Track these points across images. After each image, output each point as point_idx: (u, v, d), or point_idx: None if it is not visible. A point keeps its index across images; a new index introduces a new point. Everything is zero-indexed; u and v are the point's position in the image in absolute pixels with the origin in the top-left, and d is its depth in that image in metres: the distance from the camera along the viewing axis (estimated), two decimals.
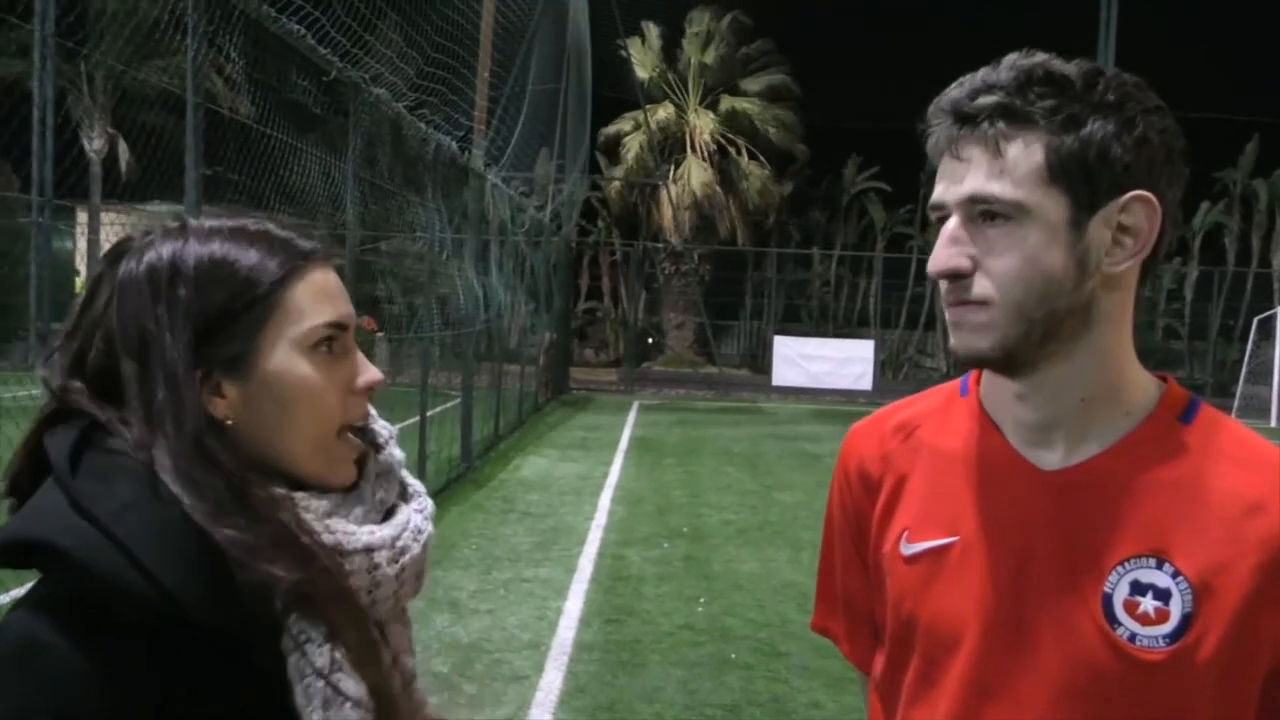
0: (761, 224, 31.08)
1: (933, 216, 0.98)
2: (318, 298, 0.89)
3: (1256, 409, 20.72)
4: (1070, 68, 0.93)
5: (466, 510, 8.33)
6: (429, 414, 8.90)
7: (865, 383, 21.85)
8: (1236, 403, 21.62)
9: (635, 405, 18.98)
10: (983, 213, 0.93)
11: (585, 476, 10.36)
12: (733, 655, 5.06)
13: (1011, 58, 0.95)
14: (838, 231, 34.22)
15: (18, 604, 0.81)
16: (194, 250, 0.86)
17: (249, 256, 0.87)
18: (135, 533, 0.77)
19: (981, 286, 0.93)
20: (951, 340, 0.98)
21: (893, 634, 1.07)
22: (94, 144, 20.31)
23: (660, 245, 28.01)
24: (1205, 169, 32.79)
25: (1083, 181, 0.91)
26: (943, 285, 0.97)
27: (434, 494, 6.70)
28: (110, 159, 20.69)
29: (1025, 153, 0.91)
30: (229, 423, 0.86)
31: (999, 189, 0.91)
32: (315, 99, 7.09)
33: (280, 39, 5.69)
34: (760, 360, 27.79)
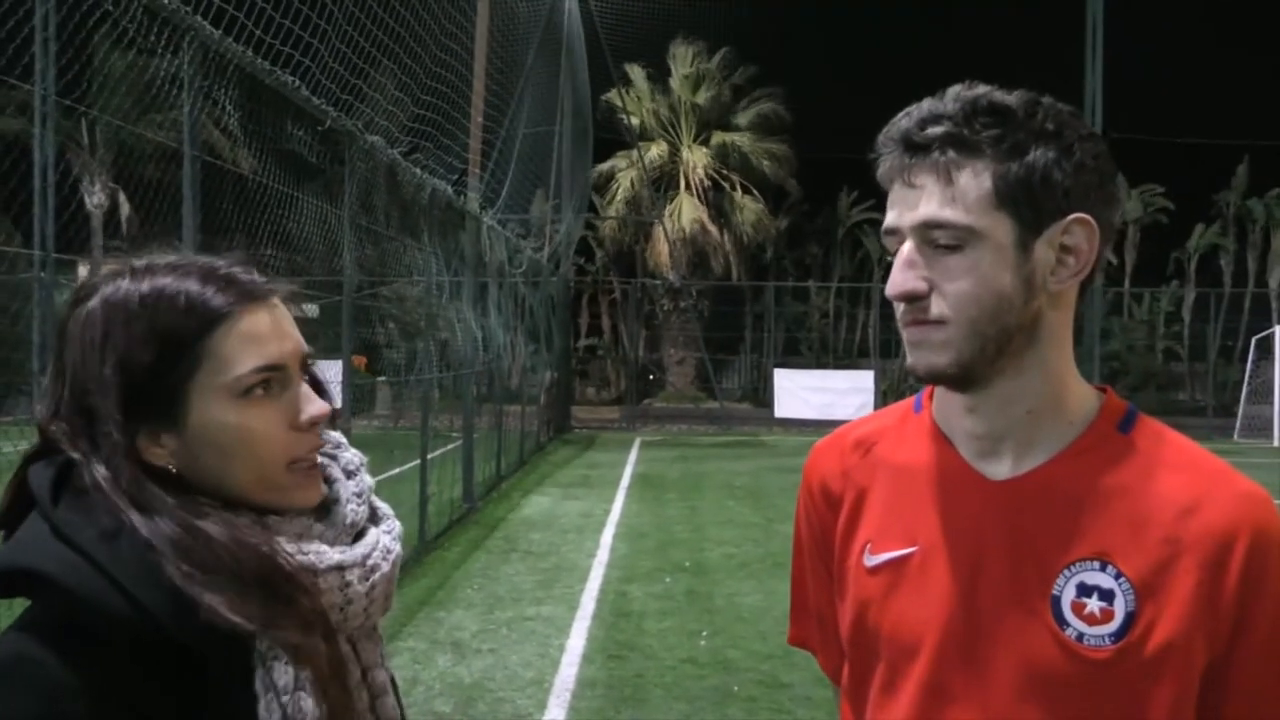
0: (759, 258, 31.27)
1: (886, 242, 1.04)
2: (245, 343, 0.89)
3: (1259, 429, 20.70)
4: (1012, 98, 0.99)
5: (469, 551, 8.34)
6: (430, 456, 8.94)
7: (867, 413, 21.72)
8: (1239, 423, 21.59)
9: (637, 442, 18.99)
10: (936, 237, 0.98)
11: (587, 514, 10.36)
12: (735, 688, 5.06)
13: (955, 89, 1.01)
14: (834, 264, 34.41)
15: (6, 630, 0.86)
16: (125, 294, 0.89)
17: (176, 305, 0.88)
18: (114, 558, 0.83)
19: (938, 307, 0.99)
20: (909, 359, 1.03)
21: (857, 643, 1.11)
22: (94, 198, 20.51)
23: (658, 282, 28.14)
24: (1199, 192, 33.02)
25: (1028, 205, 0.97)
26: (899, 307, 1.02)
27: (436, 535, 6.63)
28: (111, 212, 20.89)
29: (975, 180, 0.97)
30: (172, 469, 0.89)
31: (952, 214, 0.97)
32: (311, 148, 7.20)
33: (275, 91, 5.81)
34: (762, 394, 27.82)
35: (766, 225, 28.92)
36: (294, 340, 0.93)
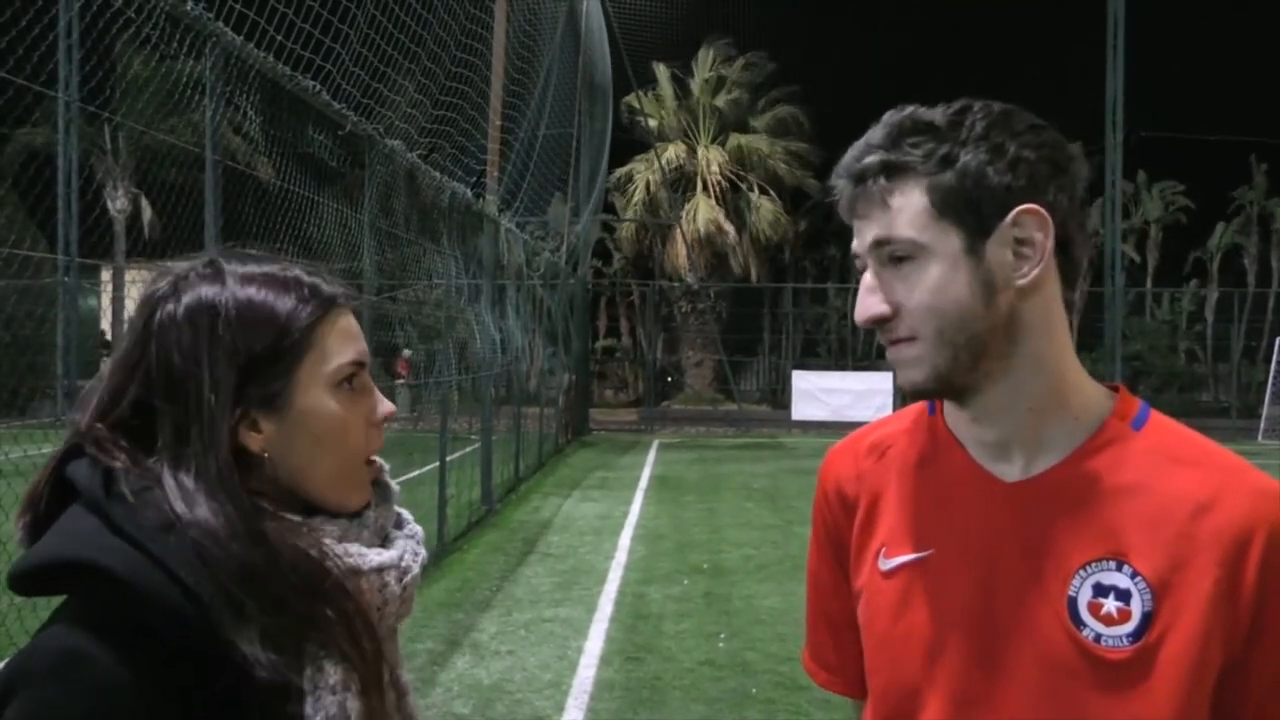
0: (777, 260, 31.20)
1: (857, 267, 1.07)
2: (342, 338, 0.96)
3: None
4: (936, 113, 1.01)
5: (487, 553, 8.37)
6: (449, 458, 8.97)
7: (885, 414, 21.62)
8: (1263, 424, 21.36)
9: (655, 444, 18.99)
10: (890, 255, 1.00)
11: (605, 516, 10.37)
12: (754, 690, 5.06)
13: (887, 115, 1.03)
14: (853, 265, 34.28)
15: (48, 623, 0.85)
16: (232, 294, 0.92)
17: (284, 301, 0.93)
18: (172, 552, 0.83)
19: (905, 325, 1.01)
20: (897, 378, 1.05)
21: (877, 649, 1.10)
22: (117, 204, 20.71)
23: (676, 284, 28.14)
24: (1221, 190, 32.70)
25: (968, 211, 0.98)
26: (878, 330, 1.04)
27: (455, 537, 6.68)
28: (133, 217, 21.09)
29: (908, 199, 0.99)
30: (265, 455, 0.92)
31: (895, 233, 0.99)
32: (331, 152, 7.26)
33: (296, 96, 5.85)
34: (780, 395, 27.75)
35: (784, 226, 28.87)
36: (365, 345, 1.01)
